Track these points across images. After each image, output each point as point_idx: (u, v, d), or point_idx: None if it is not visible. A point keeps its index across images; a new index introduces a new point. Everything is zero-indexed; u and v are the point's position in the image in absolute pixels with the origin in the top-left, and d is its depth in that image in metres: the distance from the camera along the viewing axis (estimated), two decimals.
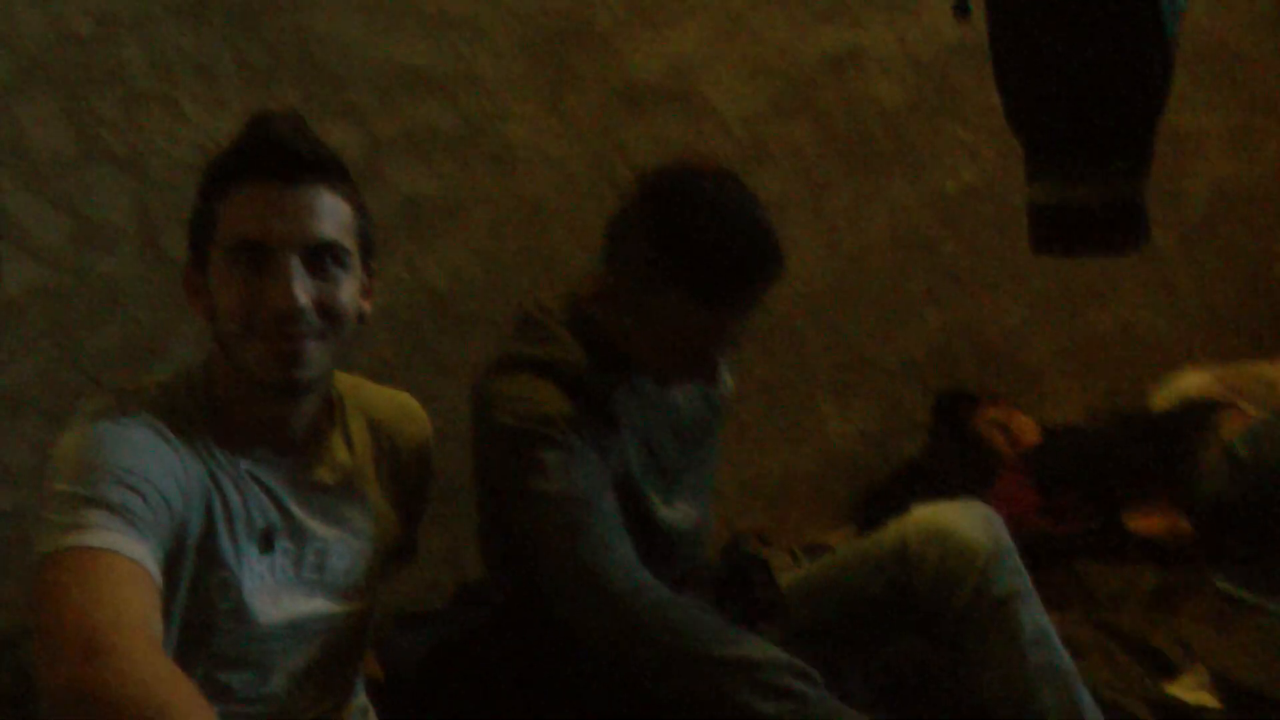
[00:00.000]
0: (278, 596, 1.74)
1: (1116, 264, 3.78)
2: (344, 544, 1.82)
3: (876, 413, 3.65)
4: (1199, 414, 3.33)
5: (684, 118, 3.30)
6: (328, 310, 1.67)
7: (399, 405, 1.98)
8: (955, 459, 3.51)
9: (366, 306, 1.78)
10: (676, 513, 2.29)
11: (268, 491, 1.74)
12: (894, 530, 2.32)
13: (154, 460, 1.58)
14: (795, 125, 3.41)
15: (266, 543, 1.73)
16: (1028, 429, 3.53)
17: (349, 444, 1.86)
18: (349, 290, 1.70)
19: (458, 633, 2.41)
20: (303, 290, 1.64)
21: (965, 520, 2.25)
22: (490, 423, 2.09)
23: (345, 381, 1.88)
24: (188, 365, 1.77)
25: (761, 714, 1.87)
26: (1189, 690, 2.59)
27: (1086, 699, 2.15)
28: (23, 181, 2.78)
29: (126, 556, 1.47)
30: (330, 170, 1.69)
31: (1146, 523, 3.17)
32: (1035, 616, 2.19)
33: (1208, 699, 2.56)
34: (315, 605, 1.78)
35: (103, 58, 2.83)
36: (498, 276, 3.18)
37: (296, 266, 1.64)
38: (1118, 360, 3.84)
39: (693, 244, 1.97)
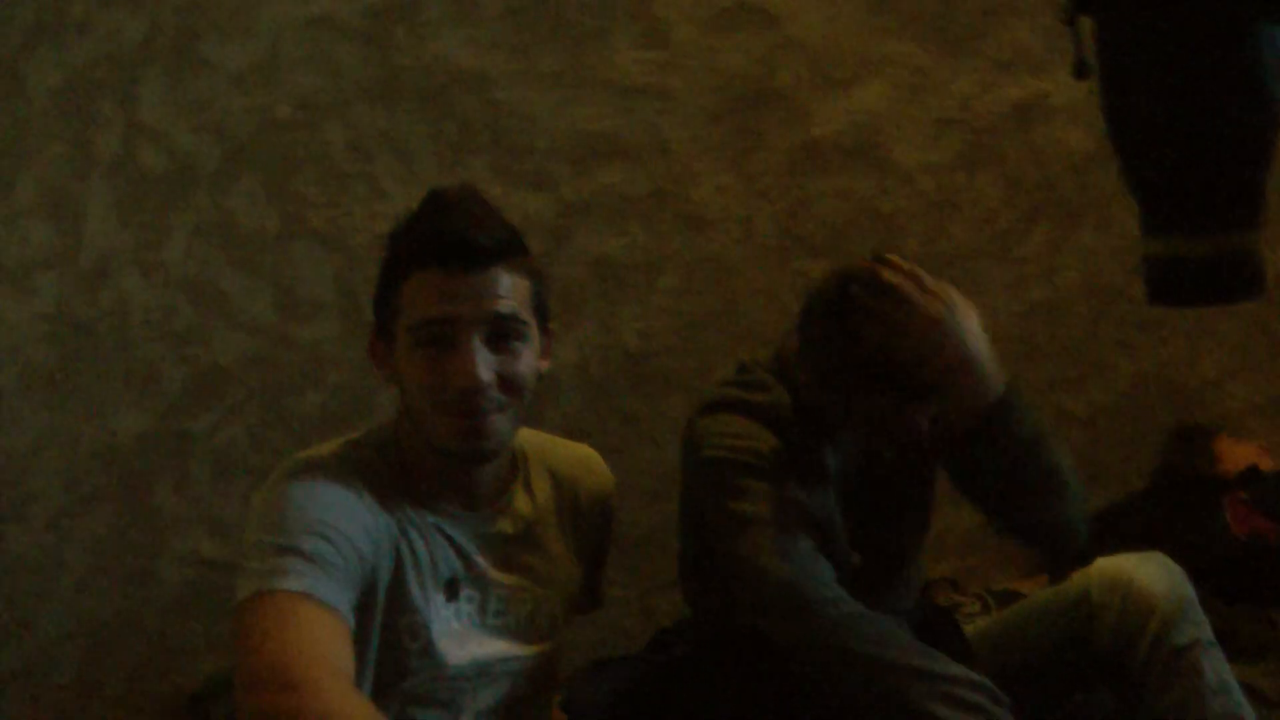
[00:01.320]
0: (464, 640, 1.81)
1: None
2: (526, 591, 1.88)
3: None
4: None
5: (867, 173, 3.31)
6: (509, 383, 1.73)
7: (581, 459, 2.04)
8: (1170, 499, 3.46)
9: (545, 365, 1.83)
10: (869, 562, 2.31)
11: (452, 543, 1.80)
12: (1077, 581, 2.31)
13: (343, 512, 1.67)
14: (981, 176, 3.39)
15: (452, 591, 1.80)
16: (1239, 451, 3.47)
17: (531, 496, 1.92)
18: (528, 360, 1.76)
19: (647, 675, 2.45)
20: (485, 368, 1.70)
21: (1146, 570, 2.23)
22: (698, 457, 2.16)
23: (530, 437, 1.94)
24: (376, 427, 1.85)
25: None
26: None
27: None
28: (232, 258, 2.92)
29: (319, 600, 1.55)
30: (506, 250, 1.75)
31: None
32: (1217, 666, 2.16)
33: None
34: (499, 648, 1.85)
35: (304, 140, 2.96)
36: (687, 334, 3.23)
37: (478, 344, 1.71)
38: None
39: (874, 361, 2.02)
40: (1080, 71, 1.43)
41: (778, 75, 3.25)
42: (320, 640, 1.52)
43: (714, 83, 3.20)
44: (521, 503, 1.91)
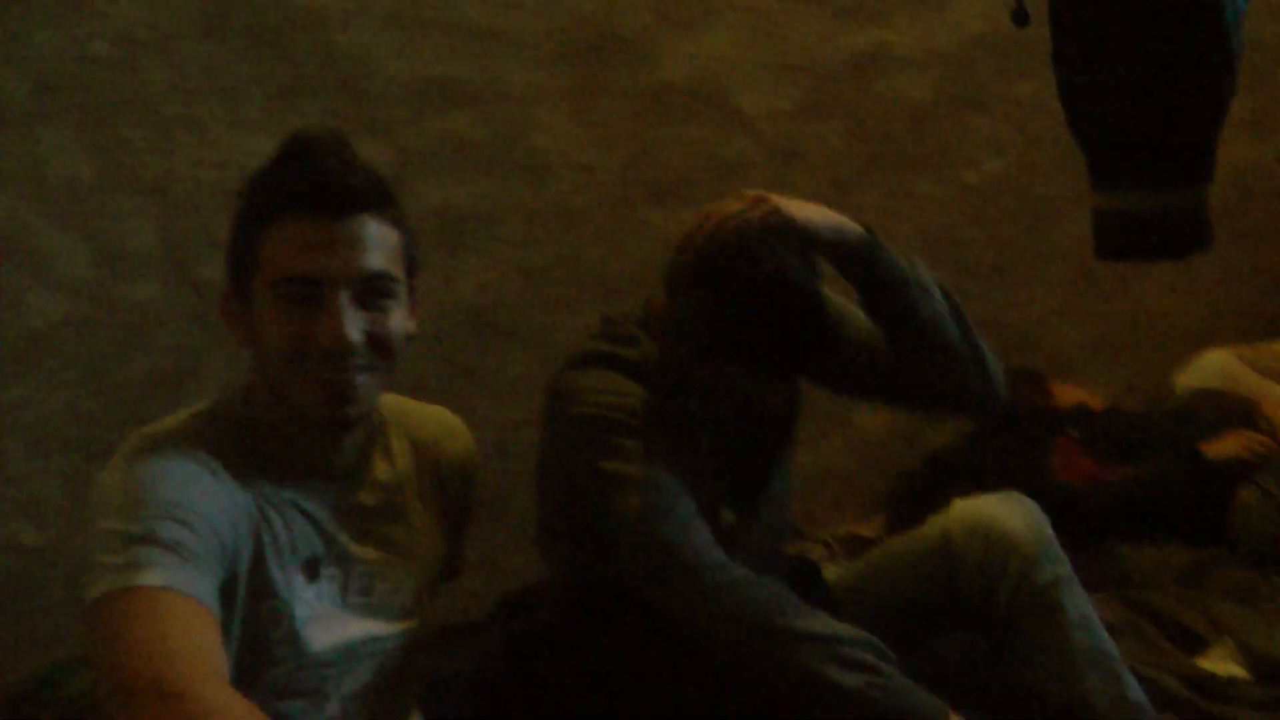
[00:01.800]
0: (328, 624, 1.69)
1: None
2: (389, 565, 1.77)
3: None
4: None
5: (712, 120, 3.25)
6: (379, 343, 1.61)
7: (441, 422, 1.93)
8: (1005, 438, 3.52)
9: (413, 326, 1.71)
10: (740, 518, 2.28)
11: (310, 520, 1.68)
12: (936, 525, 2.34)
13: (200, 493, 1.53)
14: (822, 124, 3.36)
15: (312, 571, 1.68)
16: (1068, 392, 3.55)
17: (391, 464, 1.81)
18: (399, 319, 1.64)
19: (510, 644, 2.39)
20: (354, 327, 1.58)
21: (1006, 512, 2.27)
22: (567, 414, 2.11)
23: (386, 401, 1.81)
24: (226, 395, 1.71)
25: (842, 686, 1.90)
26: (1219, 663, 2.64)
27: (1131, 680, 2.20)
28: (44, 210, 2.68)
29: (185, 594, 1.42)
30: (378, 198, 1.62)
31: (1220, 447, 3.17)
32: (1078, 602, 2.23)
33: (1237, 670, 2.61)
34: (365, 628, 1.74)
35: (123, 80, 2.74)
36: (529, 286, 3.14)
37: (346, 302, 1.58)
38: (1143, 346, 3.85)
39: (744, 331, 2.01)
40: (1020, 19, 1.38)
41: (622, 19, 3.16)
42: (192, 639, 1.39)
43: (557, 26, 3.09)
44: (381, 472, 1.79)
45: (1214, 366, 3.64)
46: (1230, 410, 3.47)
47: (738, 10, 3.26)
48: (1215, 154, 1.30)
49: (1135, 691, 2.18)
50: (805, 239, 2.03)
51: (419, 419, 1.89)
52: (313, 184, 1.57)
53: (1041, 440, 3.44)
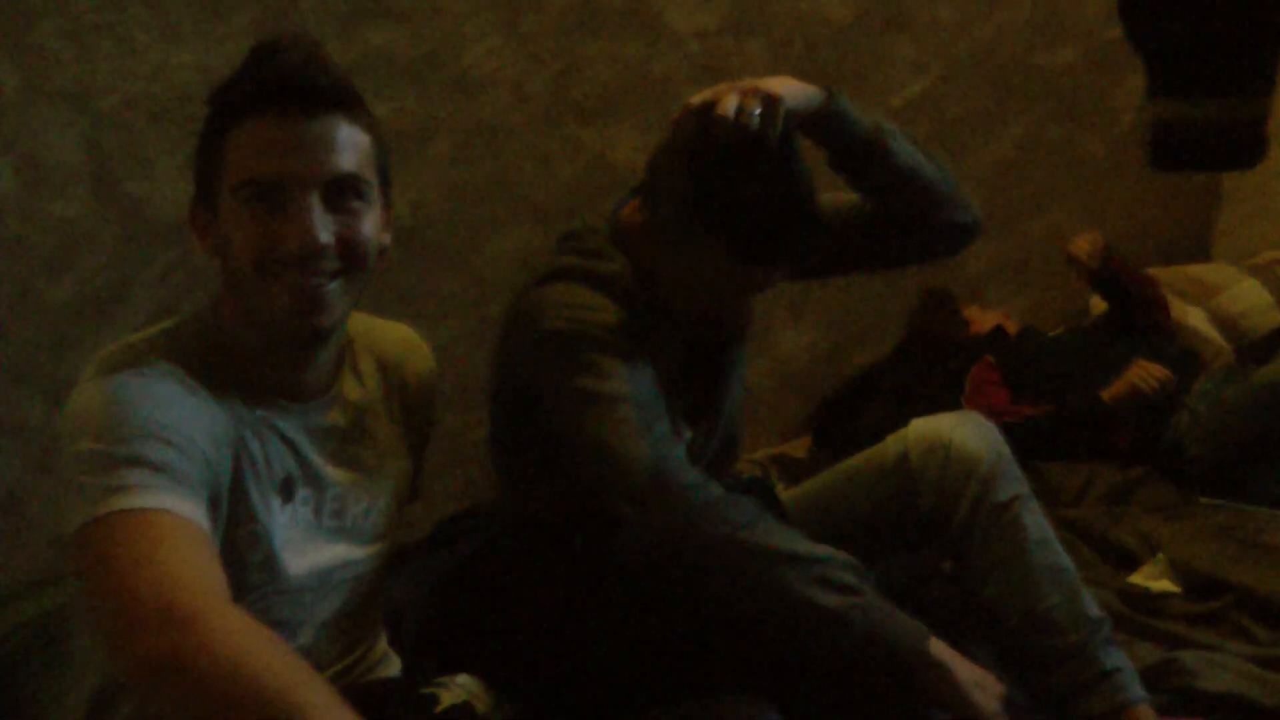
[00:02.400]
0: (303, 548, 1.65)
1: (1050, 176, 3.84)
2: (360, 487, 1.73)
3: (826, 327, 3.67)
4: (1174, 360, 3.41)
5: (639, 35, 3.23)
6: (350, 247, 1.54)
7: (404, 339, 1.87)
8: (920, 360, 3.56)
9: (387, 239, 1.64)
10: (698, 433, 2.27)
11: (285, 440, 1.63)
12: (893, 445, 2.33)
13: (183, 412, 1.47)
14: (748, 42, 3.36)
15: (288, 493, 1.63)
16: (984, 319, 3.60)
17: (360, 382, 1.76)
18: (371, 224, 1.57)
19: (463, 566, 2.36)
20: (323, 228, 1.51)
21: (964, 431, 2.27)
22: (536, 329, 2.02)
23: (352, 318, 1.73)
24: (194, 311, 1.65)
25: (823, 606, 1.87)
26: (1150, 579, 2.70)
27: (1089, 597, 2.18)
28: None
29: (180, 515, 1.37)
30: (348, 99, 1.55)
31: (1117, 389, 3.24)
32: (1038, 520, 2.22)
33: (1169, 585, 2.66)
34: (338, 552, 1.70)
35: None
36: (458, 205, 3.10)
37: (315, 203, 1.51)
38: (1054, 269, 3.90)
39: (731, 205, 1.92)
40: None
41: None
42: (196, 562, 1.34)
43: None
44: (351, 391, 1.74)
45: None
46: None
47: None
48: (1277, 65, 1.30)
49: (1094, 608, 2.16)
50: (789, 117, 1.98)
51: (383, 336, 1.84)
52: (278, 82, 1.51)
53: (960, 366, 3.49)
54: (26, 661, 2.42)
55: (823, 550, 1.92)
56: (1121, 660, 2.19)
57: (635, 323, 2.06)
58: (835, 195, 2.32)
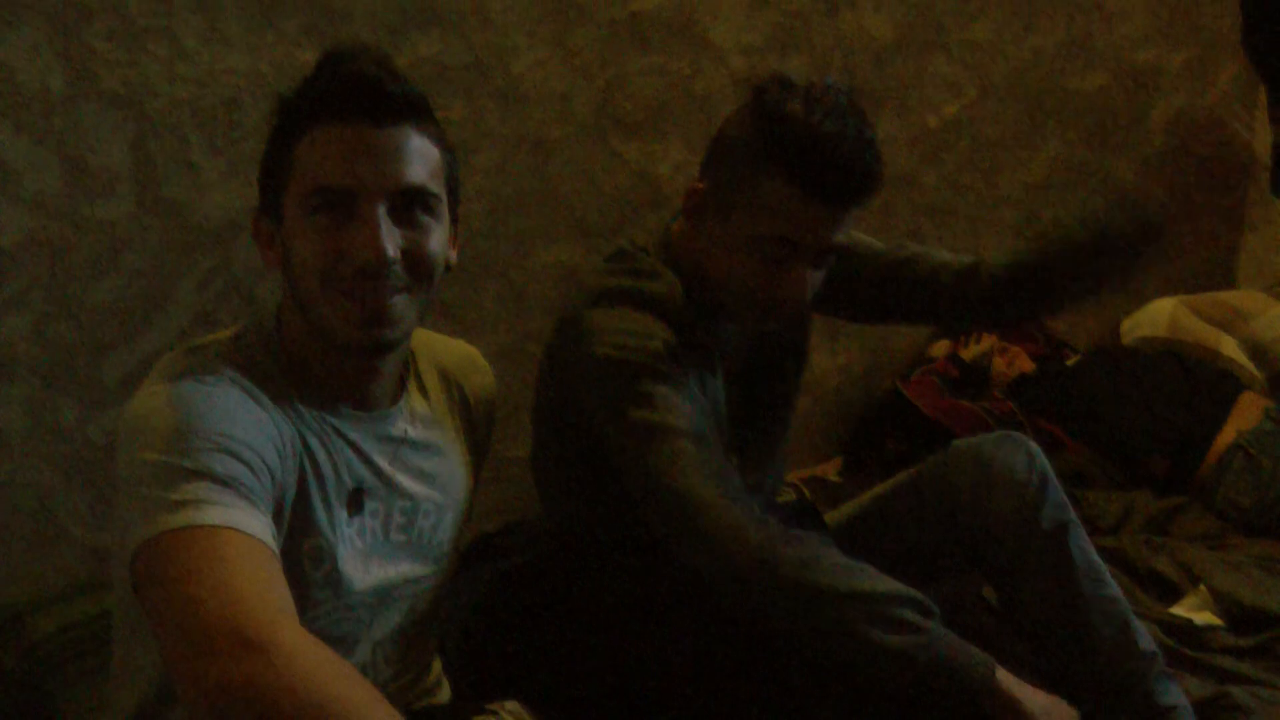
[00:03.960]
0: (367, 561, 1.63)
1: (1084, 197, 3.84)
2: (430, 501, 1.72)
3: (859, 349, 3.66)
4: (1209, 384, 3.40)
5: (684, 51, 3.21)
6: (416, 262, 1.54)
7: (465, 355, 1.88)
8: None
9: (454, 256, 1.64)
10: (746, 462, 2.25)
11: (354, 449, 1.62)
12: (933, 467, 2.31)
13: (250, 423, 1.46)
14: (790, 60, 3.34)
15: (356, 504, 1.61)
16: (1020, 359, 3.58)
17: (425, 395, 1.76)
18: (439, 239, 1.57)
19: (508, 576, 2.32)
20: (390, 241, 1.50)
21: (1006, 453, 2.24)
22: (587, 355, 2.00)
23: (414, 332, 1.73)
24: (257, 318, 1.64)
25: (885, 647, 1.84)
26: (1193, 610, 2.68)
27: (1140, 628, 2.18)
28: (10, 121, 2.53)
29: (248, 533, 1.34)
30: (419, 110, 1.55)
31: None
32: (1084, 548, 2.21)
33: (1211, 617, 2.65)
34: (402, 569, 1.68)
35: None
36: (501, 217, 3.06)
37: (383, 215, 1.50)
38: None
39: (798, 127, 1.90)
40: None
41: None
42: (264, 582, 1.31)
43: None
44: (418, 402, 1.73)
45: (1162, 315, 3.71)
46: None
47: None
48: None
49: (1146, 640, 2.16)
50: None
51: (446, 352, 1.83)
52: (349, 90, 1.50)
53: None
54: (59, 669, 2.37)
55: (885, 586, 1.89)
56: (1178, 697, 2.16)
57: (687, 347, 2.03)
58: (924, 250, 2.31)
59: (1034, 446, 2.26)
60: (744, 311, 2.06)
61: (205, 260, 2.72)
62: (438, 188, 1.57)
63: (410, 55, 2.88)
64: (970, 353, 3.59)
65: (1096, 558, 2.22)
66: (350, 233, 1.50)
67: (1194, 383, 3.41)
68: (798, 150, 1.90)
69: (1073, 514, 2.22)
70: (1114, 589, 2.20)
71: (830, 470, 3.46)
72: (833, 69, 3.40)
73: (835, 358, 3.59)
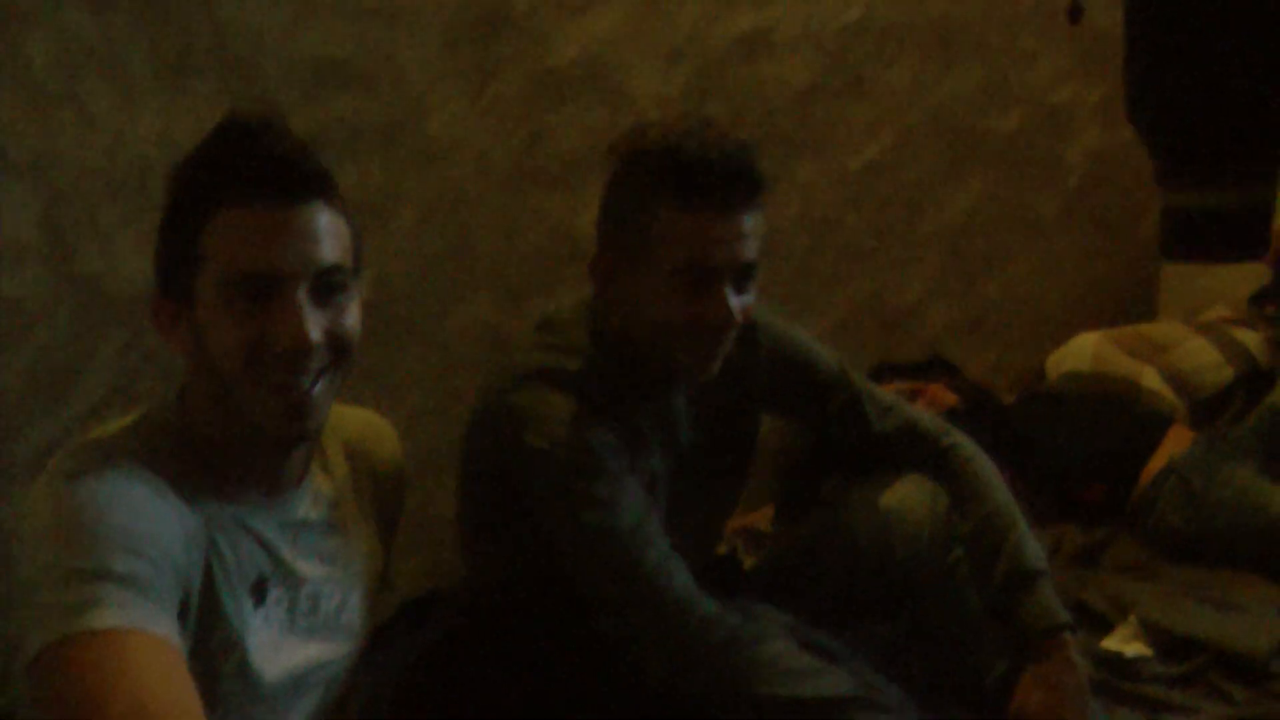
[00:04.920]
0: (277, 650, 1.58)
1: (1006, 236, 3.88)
2: (333, 583, 1.66)
3: None
4: (1138, 417, 3.42)
5: (601, 103, 3.21)
6: (338, 342, 1.49)
7: (370, 425, 1.82)
8: None
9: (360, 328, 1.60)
10: (682, 533, 2.24)
11: (257, 538, 1.56)
12: (837, 514, 2.33)
13: (152, 518, 1.40)
14: (707, 108, 3.34)
15: (260, 594, 1.56)
16: (943, 397, 3.58)
17: (329, 473, 1.70)
18: (355, 315, 1.52)
19: (439, 644, 2.30)
20: (314, 325, 1.46)
21: (906, 493, 2.27)
22: (522, 443, 1.98)
23: None
24: (158, 405, 1.57)
25: None
26: (1124, 642, 2.68)
27: None
28: None
29: (152, 634, 1.29)
30: (329, 184, 1.51)
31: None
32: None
33: (1141, 648, 2.65)
34: (311, 653, 1.63)
35: (1, 51, 2.54)
36: (423, 276, 3.04)
37: (304, 298, 1.46)
38: (1012, 328, 3.95)
39: (666, 153, 1.92)
40: (1074, 16, 1.37)
41: (515, 1, 3.10)
42: (171, 686, 1.27)
43: (450, 6, 3.00)
44: (321, 482, 1.68)
45: (1086, 350, 3.74)
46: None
47: None
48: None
49: None
50: None
51: (350, 424, 1.77)
52: (264, 168, 1.45)
53: None
54: None
55: (841, 691, 1.89)
56: None
57: (618, 427, 2.02)
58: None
59: (934, 485, 2.29)
60: (680, 355, 2.03)
61: (119, 333, 2.66)
62: (350, 263, 1.53)
63: (325, 115, 2.85)
64: None
65: None
66: (272, 319, 1.45)
67: (1126, 413, 3.43)
68: (674, 172, 1.91)
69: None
70: None
71: (763, 520, 3.44)
72: (751, 115, 3.41)
73: None
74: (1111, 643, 2.70)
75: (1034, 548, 2.17)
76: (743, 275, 1.99)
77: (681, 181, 1.91)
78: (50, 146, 2.57)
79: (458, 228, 3.07)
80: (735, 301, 1.98)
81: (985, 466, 2.28)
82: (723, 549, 3.23)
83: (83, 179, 2.60)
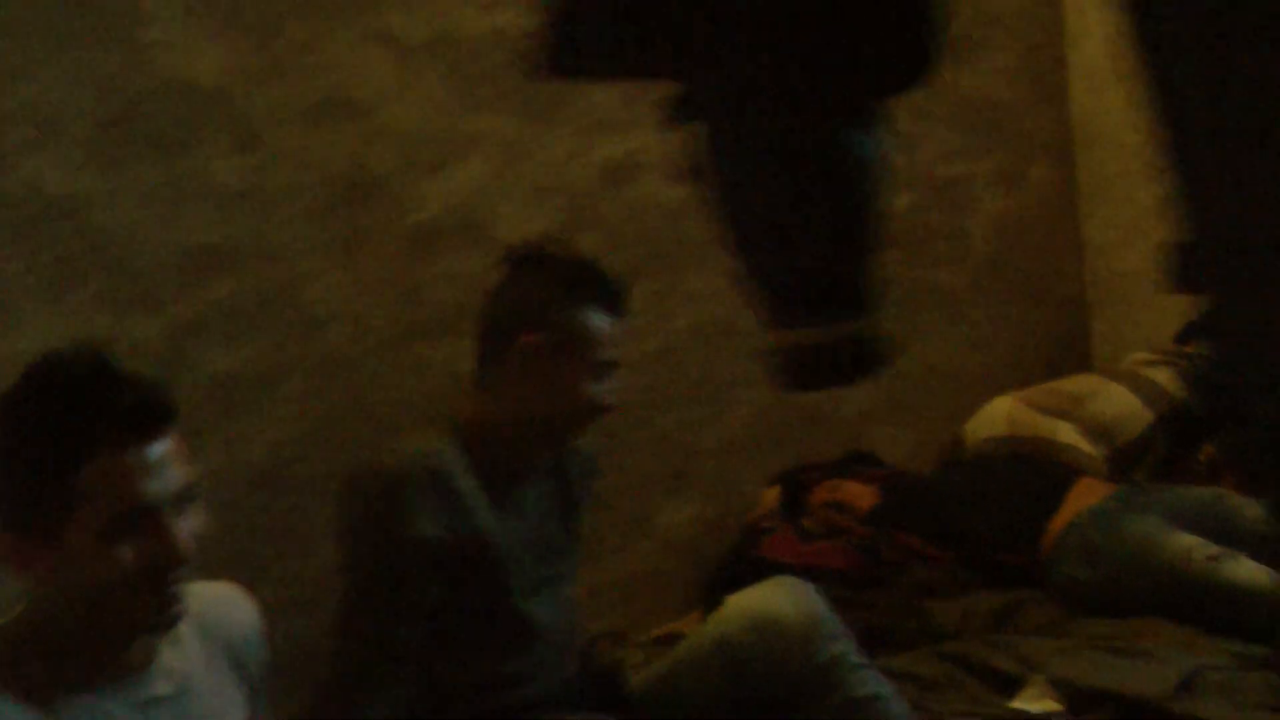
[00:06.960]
0: None
1: (919, 308, 3.95)
2: None
3: (701, 497, 3.78)
4: (1046, 474, 3.50)
5: (473, 252, 3.35)
6: (196, 544, 1.66)
7: (222, 597, 1.94)
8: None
9: None
10: (540, 608, 2.38)
11: (109, 719, 1.67)
12: (715, 625, 2.41)
13: None
14: (582, 238, 3.46)
15: None
16: (861, 495, 3.65)
17: (179, 649, 1.81)
18: (200, 515, 1.68)
19: None
20: (186, 538, 1.62)
21: (775, 598, 2.36)
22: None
23: None
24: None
25: None
26: (1031, 700, 2.75)
27: None
28: None
29: None
30: (177, 408, 1.65)
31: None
32: (863, 677, 2.34)
33: (1050, 704, 2.72)
34: None
35: None
36: (316, 438, 3.20)
37: (173, 518, 1.61)
38: (932, 403, 3.99)
39: (573, 270, 2.34)
40: (696, 175, 1.49)
41: (373, 165, 3.27)
42: None
43: (311, 180, 3.19)
44: (171, 658, 1.78)
45: (1000, 414, 3.80)
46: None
47: (487, 140, 3.40)
48: (869, 287, 1.42)
49: None
50: None
51: (200, 600, 1.86)
52: (135, 410, 1.57)
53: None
54: None
55: None
56: None
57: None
58: None
59: (806, 586, 2.38)
60: (570, 429, 2.37)
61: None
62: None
63: (203, 300, 3.05)
64: (813, 519, 3.69)
65: (878, 685, 2.32)
66: (152, 545, 1.59)
67: (1031, 474, 3.50)
68: (593, 284, 2.29)
69: (849, 645, 2.32)
70: (894, 708, 2.30)
71: (688, 624, 3.51)
72: (627, 239, 3.54)
73: (682, 510, 3.70)
74: (1019, 702, 2.77)
75: None
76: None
77: (604, 293, 2.39)
78: None
79: (345, 388, 3.24)
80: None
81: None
82: (641, 657, 3.33)
83: None
